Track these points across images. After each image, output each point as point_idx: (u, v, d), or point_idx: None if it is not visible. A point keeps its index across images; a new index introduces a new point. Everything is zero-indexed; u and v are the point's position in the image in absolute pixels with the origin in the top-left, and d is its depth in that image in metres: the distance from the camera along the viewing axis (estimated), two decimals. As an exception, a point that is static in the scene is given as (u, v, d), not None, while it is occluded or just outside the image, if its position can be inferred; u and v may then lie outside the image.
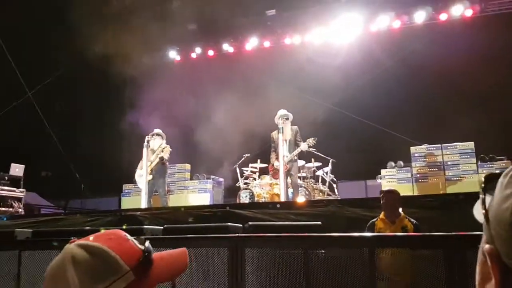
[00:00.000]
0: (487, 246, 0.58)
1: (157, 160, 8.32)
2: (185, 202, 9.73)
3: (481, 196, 0.60)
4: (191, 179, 10.58)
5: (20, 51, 12.35)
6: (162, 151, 8.34)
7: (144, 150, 8.37)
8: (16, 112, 12.72)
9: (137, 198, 9.52)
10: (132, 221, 6.85)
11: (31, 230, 5.56)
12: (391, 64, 11.35)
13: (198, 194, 10.20)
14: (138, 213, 6.99)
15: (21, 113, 12.80)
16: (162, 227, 5.76)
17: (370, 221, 5.00)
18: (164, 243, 4.84)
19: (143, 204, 8.20)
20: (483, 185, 0.61)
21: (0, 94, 12.20)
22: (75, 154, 13.16)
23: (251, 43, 13.40)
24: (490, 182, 0.61)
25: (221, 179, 11.01)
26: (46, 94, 13.13)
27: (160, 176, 8.41)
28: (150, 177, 8.32)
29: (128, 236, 0.96)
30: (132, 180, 10.66)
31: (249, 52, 13.48)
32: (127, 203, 10.60)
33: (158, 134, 8.59)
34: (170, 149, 8.55)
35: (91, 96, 13.42)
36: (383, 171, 9.24)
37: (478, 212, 0.62)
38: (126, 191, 11.00)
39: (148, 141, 8.40)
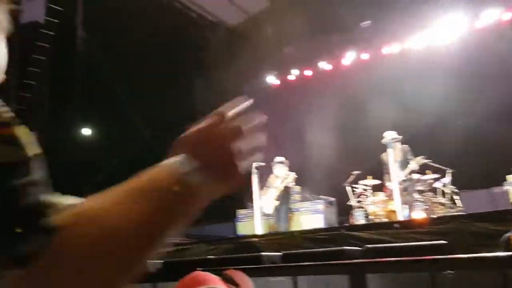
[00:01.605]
0: None
1: (282, 187, 8.63)
2: (298, 225, 9.74)
3: None
4: (301, 200, 10.60)
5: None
6: (286, 178, 8.66)
7: (254, 177, 8.61)
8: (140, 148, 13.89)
9: (252, 223, 9.76)
10: (249, 248, 7.02)
11: (162, 261, 5.94)
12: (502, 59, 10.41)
13: (311, 216, 10.16)
14: (255, 239, 7.15)
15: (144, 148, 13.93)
16: (280, 253, 5.83)
17: (503, 236, 4.56)
18: (282, 272, 4.89)
19: (258, 230, 8.40)
20: None
21: (121, 136, 13.45)
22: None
23: (348, 57, 13.23)
24: None
25: (332, 199, 10.87)
26: (158, 128, 14.15)
27: (284, 202, 8.68)
28: (277, 202, 8.63)
29: None
30: (245, 205, 11.02)
31: (347, 67, 13.31)
32: (242, 228, 10.92)
33: (281, 162, 8.91)
34: (296, 176, 8.84)
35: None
36: (509, 177, 8.43)
37: None
38: (240, 216, 11.33)
39: (257, 168, 8.65)
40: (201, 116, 0.84)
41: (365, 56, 13.08)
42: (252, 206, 10.55)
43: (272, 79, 14.88)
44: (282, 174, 8.85)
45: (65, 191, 0.70)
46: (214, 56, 11.82)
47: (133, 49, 12.38)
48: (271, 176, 8.98)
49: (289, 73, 14.40)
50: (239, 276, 1.35)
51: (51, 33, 10.35)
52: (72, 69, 10.95)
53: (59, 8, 10.72)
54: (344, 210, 10.11)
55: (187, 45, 12.23)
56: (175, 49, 11.93)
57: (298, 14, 12.14)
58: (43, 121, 10.45)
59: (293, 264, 5.40)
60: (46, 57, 10.39)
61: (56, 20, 10.42)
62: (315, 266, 4.45)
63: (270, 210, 8.83)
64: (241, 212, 11.32)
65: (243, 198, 11.04)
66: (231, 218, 12.59)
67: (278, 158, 9.05)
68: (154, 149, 13.39)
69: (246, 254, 6.03)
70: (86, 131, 15.49)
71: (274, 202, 8.69)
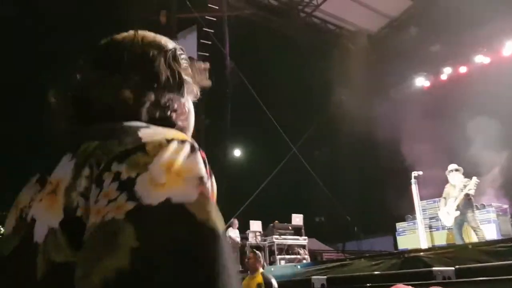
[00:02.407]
0: None
1: (462, 195, 8.04)
2: (468, 236, 8.86)
3: None
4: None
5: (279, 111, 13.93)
6: (466, 186, 8.03)
7: (413, 187, 8.13)
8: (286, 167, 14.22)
9: (414, 236, 9.19)
10: (416, 262, 6.58)
11: (325, 277, 5.91)
12: None
13: (482, 226, 9.17)
14: (421, 253, 6.68)
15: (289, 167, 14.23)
16: (453, 268, 5.34)
17: None
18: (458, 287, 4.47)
19: (424, 243, 7.85)
20: None
21: (269, 155, 13.92)
22: (341, 196, 13.76)
23: (509, 47, 11.80)
24: None
25: (506, 206, 9.69)
26: (308, 144, 14.30)
27: (467, 211, 8.05)
28: (458, 213, 8.06)
29: None
30: (404, 218, 10.45)
31: (509, 57, 11.88)
32: (403, 242, 10.33)
33: (456, 170, 8.33)
34: (477, 181, 8.14)
35: (346, 139, 13.98)
36: None
37: None
38: (400, 229, 10.76)
39: (415, 177, 8.15)
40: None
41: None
42: (412, 218, 9.94)
43: (422, 81, 14.02)
44: (458, 182, 8.17)
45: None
46: (358, 65, 11.60)
47: (278, 70, 12.86)
48: (447, 185, 8.33)
49: (441, 72, 13.40)
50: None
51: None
52: (223, 96, 11.72)
53: (209, 43, 11.67)
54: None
55: (329, 58, 12.25)
56: (318, 63, 12.02)
57: (444, 8, 11.31)
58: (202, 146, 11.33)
59: (469, 279, 4.93)
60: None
61: (206, 54, 11.33)
62: (493, 282, 3.98)
63: (449, 222, 8.18)
64: (401, 225, 10.74)
65: (401, 210, 10.50)
66: (389, 232, 12.04)
67: (453, 166, 8.38)
68: (299, 164, 13.59)
69: (415, 270, 5.66)
70: (237, 152, 16.48)
71: (454, 213, 8.05)
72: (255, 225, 11.46)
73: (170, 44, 0.91)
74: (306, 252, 11.21)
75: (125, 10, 12.40)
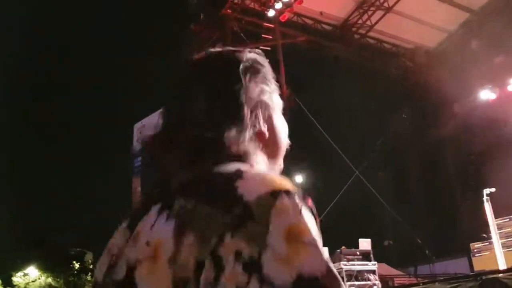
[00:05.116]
0: None
1: None
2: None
3: None
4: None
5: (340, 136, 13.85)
6: None
7: (486, 204, 7.72)
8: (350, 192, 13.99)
9: (491, 256, 8.66)
10: (495, 284, 6.21)
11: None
12: None
13: None
14: (500, 275, 6.30)
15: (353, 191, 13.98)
16: (536, 290, 4.99)
17: None
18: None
19: (502, 264, 7.39)
20: None
21: (332, 180, 13.76)
22: (410, 218, 13.28)
23: None
24: None
25: None
26: (372, 166, 14.03)
27: None
28: None
29: None
30: (479, 238, 9.89)
31: None
32: (479, 263, 9.76)
33: None
34: None
35: (412, 159, 13.60)
36: None
37: None
38: (475, 250, 10.19)
39: (487, 195, 7.75)
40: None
41: None
42: (487, 238, 9.39)
43: (487, 94, 13.42)
44: None
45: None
46: (418, 82, 11.36)
47: (336, 94, 12.85)
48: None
49: (507, 83, 12.77)
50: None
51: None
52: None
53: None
54: None
55: (387, 77, 12.12)
56: (376, 84, 11.92)
57: (503, 18, 10.90)
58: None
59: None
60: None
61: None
62: None
63: None
64: (475, 246, 10.17)
65: (474, 230, 9.97)
66: (463, 253, 11.39)
67: None
68: (364, 188, 13.30)
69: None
70: (298, 179, 16.43)
71: None
72: (322, 252, 11.28)
73: (263, 61, 0.89)
74: (377, 278, 10.85)
75: (183, 47, 13.05)
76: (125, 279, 0.69)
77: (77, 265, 21.44)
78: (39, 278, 21.69)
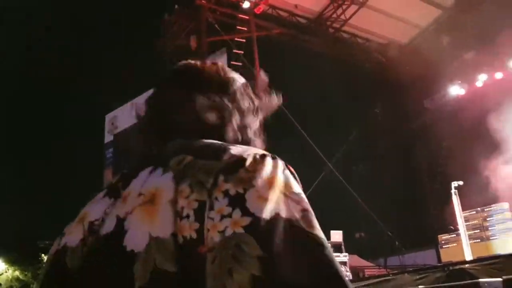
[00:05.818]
0: None
1: None
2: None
3: None
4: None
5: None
6: None
7: (454, 197, 7.91)
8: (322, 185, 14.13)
9: (457, 248, 8.92)
10: (462, 275, 6.38)
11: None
12: None
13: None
14: (467, 265, 6.47)
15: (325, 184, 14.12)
16: (501, 279, 5.16)
17: None
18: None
19: (468, 255, 7.60)
20: None
21: (305, 173, 13.86)
22: (381, 211, 13.51)
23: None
24: None
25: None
26: (344, 160, 14.19)
27: None
28: None
29: None
30: (446, 230, 10.16)
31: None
32: (447, 254, 10.02)
33: None
34: None
35: (383, 153, 13.81)
36: None
37: None
38: (443, 242, 10.46)
39: (455, 187, 7.94)
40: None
41: None
42: (454, 230, 9.64)
43: (456, 90, 13.75)
44: None
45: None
46: (390, 77, 11.53)
47: (309, 87, 12.90)
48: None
49: (476, 79, 13.11)
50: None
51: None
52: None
53: (239, 64, 11.89)
54: None
55: (361, 72, 12.24)
56: (349, 78, 12.02)
57: (475, 15, 11.15)
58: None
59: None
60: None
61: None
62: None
63: None
64: (443, 238, 10.44)
65: (442, 222, 10.23)
66: (432, 245, 11.68)
67: None
68: (336, 180, 13.46)
69: (462, 282, 5.50)
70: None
71: None
72: (294, 243, 11.37)
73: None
74: (348, 269, 11.03)
75: (157, 38, 12.84)
76: (115, 230, 0.72)
77: (45, 258, 20.98)
78: (6, 272, 21.20)
